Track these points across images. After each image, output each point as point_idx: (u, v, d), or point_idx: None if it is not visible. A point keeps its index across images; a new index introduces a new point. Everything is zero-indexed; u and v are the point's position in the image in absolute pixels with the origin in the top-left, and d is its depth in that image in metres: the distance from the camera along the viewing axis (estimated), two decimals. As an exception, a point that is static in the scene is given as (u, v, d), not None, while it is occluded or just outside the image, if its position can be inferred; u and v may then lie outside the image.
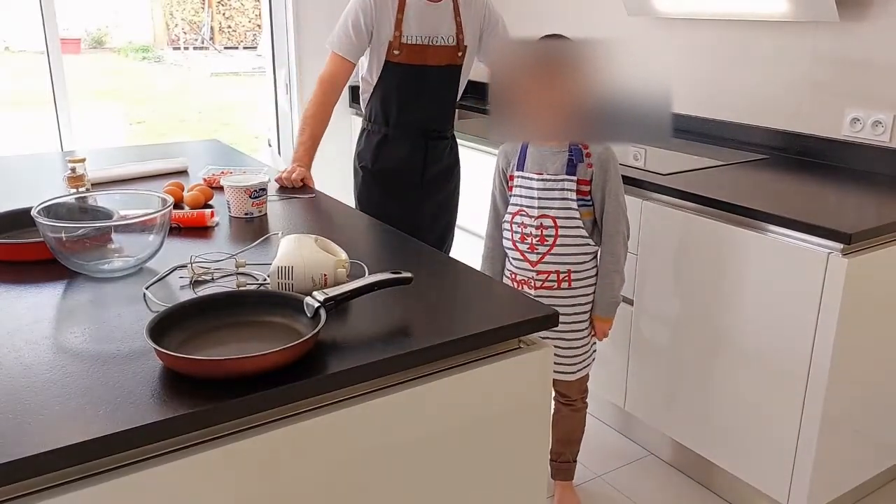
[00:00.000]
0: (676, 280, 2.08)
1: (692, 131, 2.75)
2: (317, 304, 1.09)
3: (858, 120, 2.27)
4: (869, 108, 2.25)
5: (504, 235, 1.93)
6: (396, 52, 2.14)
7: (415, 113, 2.23)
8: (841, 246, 1.71)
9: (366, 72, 2.24)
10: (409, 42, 2.14)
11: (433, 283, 1.35)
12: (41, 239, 1.34)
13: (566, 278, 1.84)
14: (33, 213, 1.32)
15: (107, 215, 1.48)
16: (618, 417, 2.47)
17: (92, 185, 1.87)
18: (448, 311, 1.23)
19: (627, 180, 2.18)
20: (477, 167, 2.68)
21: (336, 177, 2.88)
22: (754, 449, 1.96)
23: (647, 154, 2.50)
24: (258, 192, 1.74)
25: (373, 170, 2.30)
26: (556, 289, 1.85)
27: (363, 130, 2.33)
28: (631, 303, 2.23)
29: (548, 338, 1.76)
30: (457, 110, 2.41)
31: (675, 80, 2.78)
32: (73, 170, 1.78)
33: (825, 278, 1.73)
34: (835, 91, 2.33)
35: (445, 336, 1.12)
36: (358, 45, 2.14)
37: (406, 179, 2.30)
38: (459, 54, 2.21)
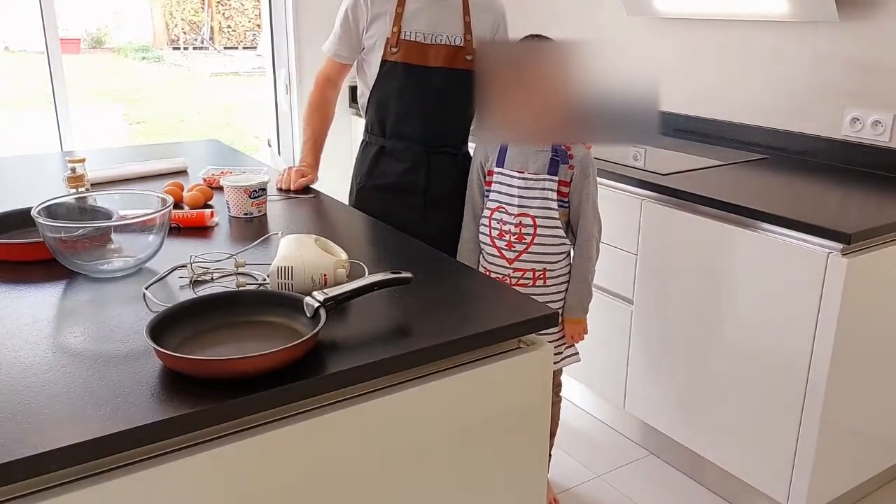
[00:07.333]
0: (676, 280, 2.08)
1: (692, 131, 2.75)
2: (317, 304, 1.09)
3: (858, 120, 2.27)
4: (869, 108, 2.25)
5: (482, 231, 1.91)
6: (394, 50, 1.97)
7: (415, 121, 1.99)
8: (841, 246, 1.72)
9: (366, 77, 2.08)
10: (408, 38, 1.97)
11: (433, 283, 1.35)
12: (41, 239, 1.34)
13: (541, 276, 1.85)
14: (33, 213, 1.32)
15: (106, 215, 1.48)
16: (618, 417, 2.47)
17: (92, 185, 1.87)
18: (448, 311, 1.23)
19: (627, 180, 2.19)
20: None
21: (336, 177, 2.88)
22: (754, 449, 1.96)
23: (647, 154, 2.50)
24: (258, 192, 1.74)
25: (367, 186, 2.07)
26: (531, 286, 1.85)
27: (362, 143, 2.15)
28: (631, 302, 2.23)
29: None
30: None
31: (674, 80, 2.79)
32: (73, 170, 1.78)
33: (825, 278, 1.73)
34: (835, 91, 2.33)
35: (445, 336, 1.12)
36: (346, 41, 2.02)
37: (406, 198, 2.04)
38: (469, 57, 1.99)
